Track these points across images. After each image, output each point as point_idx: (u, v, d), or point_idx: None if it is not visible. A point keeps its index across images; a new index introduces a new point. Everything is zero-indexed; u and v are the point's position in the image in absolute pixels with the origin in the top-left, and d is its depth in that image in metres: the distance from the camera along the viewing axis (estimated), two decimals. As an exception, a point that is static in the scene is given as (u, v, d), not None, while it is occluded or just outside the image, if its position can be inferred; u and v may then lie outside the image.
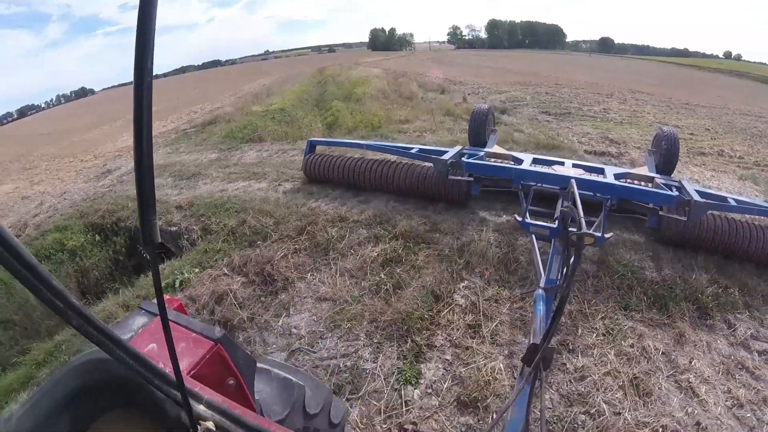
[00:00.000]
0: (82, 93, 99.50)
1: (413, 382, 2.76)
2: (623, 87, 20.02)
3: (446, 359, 2.91)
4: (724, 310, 3.38)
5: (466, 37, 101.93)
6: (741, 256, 3.93)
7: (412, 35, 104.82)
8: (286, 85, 25.11)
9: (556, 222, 3.11)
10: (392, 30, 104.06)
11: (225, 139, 10.50)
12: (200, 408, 0.89)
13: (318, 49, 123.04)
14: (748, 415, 2.59)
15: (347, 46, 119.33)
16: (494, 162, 4.86)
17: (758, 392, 2.74)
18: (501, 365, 2.78)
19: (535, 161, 4.81)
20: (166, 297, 1.38)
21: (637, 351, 2.92)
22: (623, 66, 42.24)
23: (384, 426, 2.49)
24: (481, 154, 5.03)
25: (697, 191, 4.01)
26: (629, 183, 4.41)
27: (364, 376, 2.82)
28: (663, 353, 2.92)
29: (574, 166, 4.78)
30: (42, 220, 7.20)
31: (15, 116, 78.43)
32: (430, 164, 4.77)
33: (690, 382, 2.72)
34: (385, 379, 2.79)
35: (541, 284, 2.62)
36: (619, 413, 2.49)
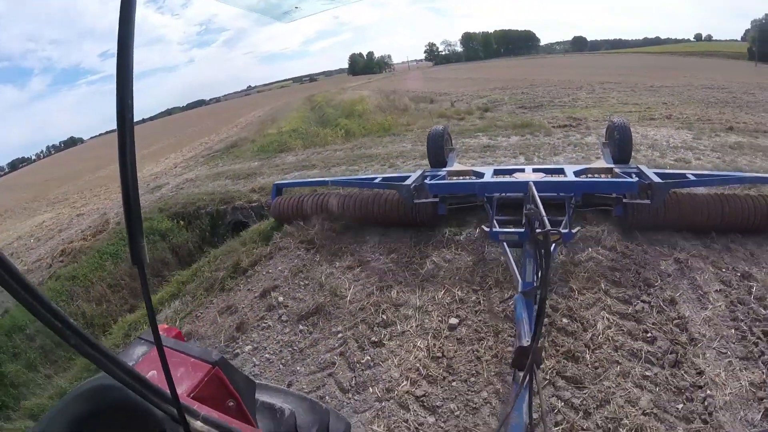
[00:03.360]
0: (72, 142, 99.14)
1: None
2: (593, 80, 21.20)
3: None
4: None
5: (443, 53, 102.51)
6: (709, 227, 3.97)
7: (390, 57, 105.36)
8: (281, 113, 26.80)
9: (524, 226, 3.19)
10: (370, 53, 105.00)
11: (259, 152, 12.29)
12: (197, 424, 0.94)
13: (299, 79, 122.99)
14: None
15: (327, 73, 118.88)
16: (456, 179, 4.99)
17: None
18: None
19: (496, 172, 4.88)
20: (165, 327, 1.51)
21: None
22: (596, 62, 43.64)
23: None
24: (443, 173, 5.09)
25: (656, 173, 4.14)
26: (589, 177, 4.54)
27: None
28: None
29: (534, 170, 4.83)
30: (120, 219, 8.31)
31: (6, 170, 78.02)
32: (395, 191, 4.78)
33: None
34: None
35: (520, 289, 2.76)
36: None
